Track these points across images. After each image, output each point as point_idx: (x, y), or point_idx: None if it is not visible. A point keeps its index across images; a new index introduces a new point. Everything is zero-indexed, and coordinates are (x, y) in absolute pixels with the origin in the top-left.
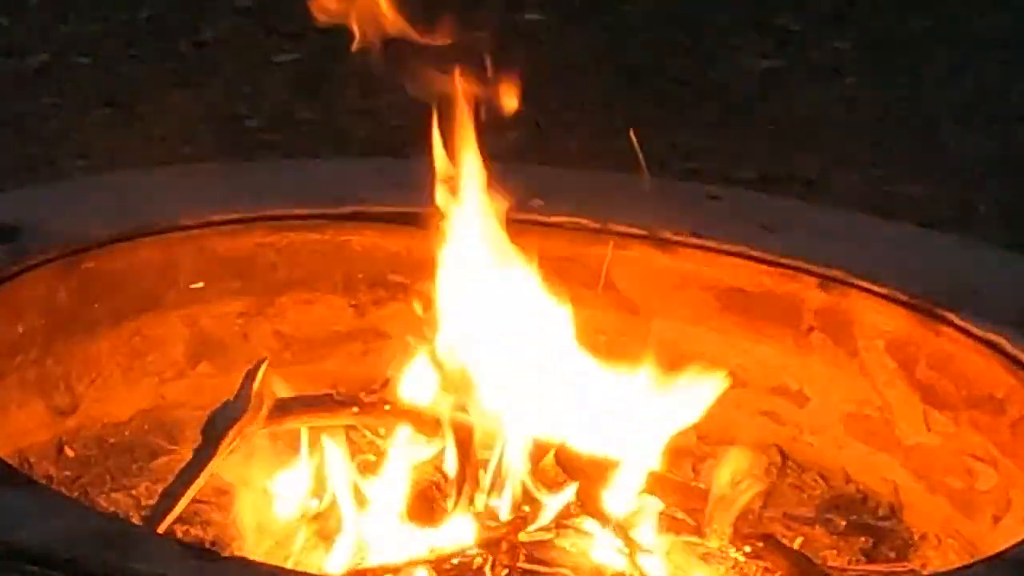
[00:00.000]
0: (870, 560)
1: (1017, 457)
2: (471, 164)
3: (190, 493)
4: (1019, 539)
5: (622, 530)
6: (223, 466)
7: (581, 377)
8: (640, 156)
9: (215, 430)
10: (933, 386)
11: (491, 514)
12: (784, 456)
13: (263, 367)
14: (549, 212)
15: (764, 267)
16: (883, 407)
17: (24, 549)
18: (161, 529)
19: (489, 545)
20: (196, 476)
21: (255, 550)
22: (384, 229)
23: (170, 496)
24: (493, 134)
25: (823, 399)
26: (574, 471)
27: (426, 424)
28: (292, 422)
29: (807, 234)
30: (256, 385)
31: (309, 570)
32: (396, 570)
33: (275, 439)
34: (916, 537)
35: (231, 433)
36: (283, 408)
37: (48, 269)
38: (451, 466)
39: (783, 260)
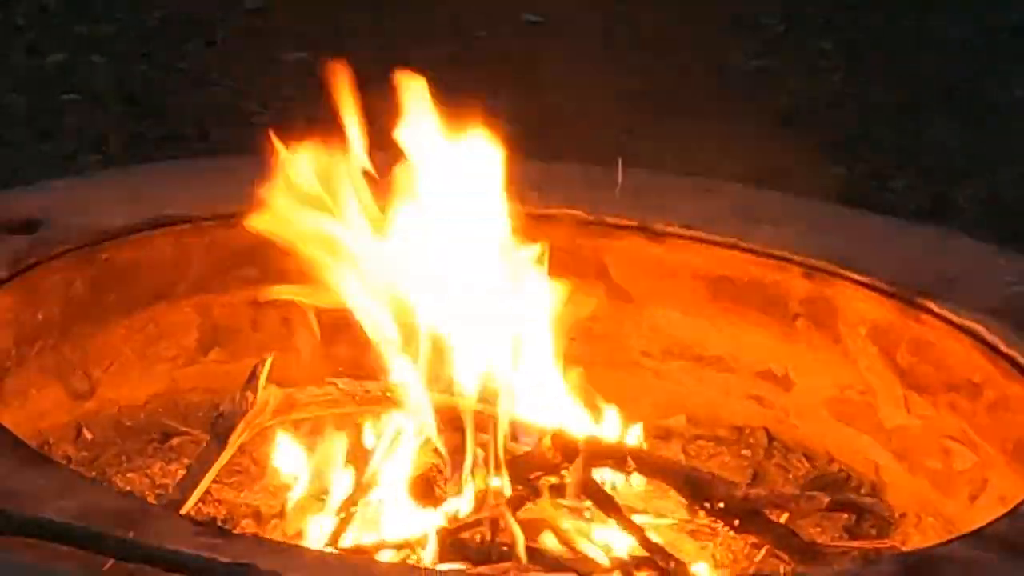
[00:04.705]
0: (852, 536)
1: (993, 439)
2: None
3: (202, 486)
4: (995, 517)
5: (615, 508)
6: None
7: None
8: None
9: (224, 424)
10: (913, 371)
11: (490, 494)
12: (771, 437)
13: (268, 363)
14: (546, 204)
15: (752, 257)
16: (865, 391)
17: (45, 526)
18: None
19: (488, 523)
20: (207, 470)
21: (265, 528)
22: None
23: (183, 489)
24: (492, 130)
25: (808, 383)
26: (570, 452)
27: (426, 410)
28: (298, 413)
29: (793, 226)
30: (262, 380)
31: (316, 547)
32: (400, 547)
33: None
34: (896, 515)
35: (239, 427)
36: (288, 400)
37: (66, 260)
38: (451, 449)
39: (770, 251)
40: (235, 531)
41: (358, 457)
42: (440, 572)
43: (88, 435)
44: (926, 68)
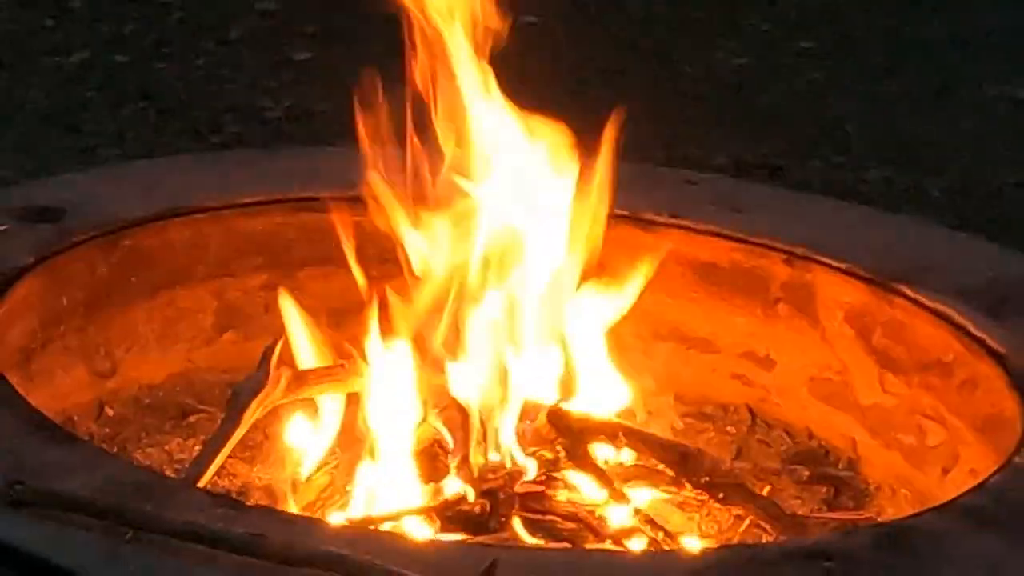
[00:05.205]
0: (831, 508)
1: (964, 416)
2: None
3: (217, 461)
4: (965, 489)
5: (607, 481)
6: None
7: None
8: None
9: (238, 402)
10: (888, 352)
11: (489, 468)
12: (753, 415)
13: (280, 344)
14: None
15: (735, 245)
16: (843, 371)
17: (70, 499)
18: None
19: (487, 495)
20: (222, 446)
21: (277, 501)
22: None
23: (199, 464)
24: None
25: (788, 363)
26: (564, 429)
27: (429, 389)
28: (307, 392)
29: (774, 215)
30: (274, 360)
31: (324, 518)
32: (403, 518)
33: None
34: (872, 488)
35: (253, 405)
36: (299, 379)
37: (90, 246)
38: (453, 426)
39: (752, 238)
40: (248, 504)
41: (365, 433)
42: (441, 542)
43: (110, 412)
44: (901, 67)
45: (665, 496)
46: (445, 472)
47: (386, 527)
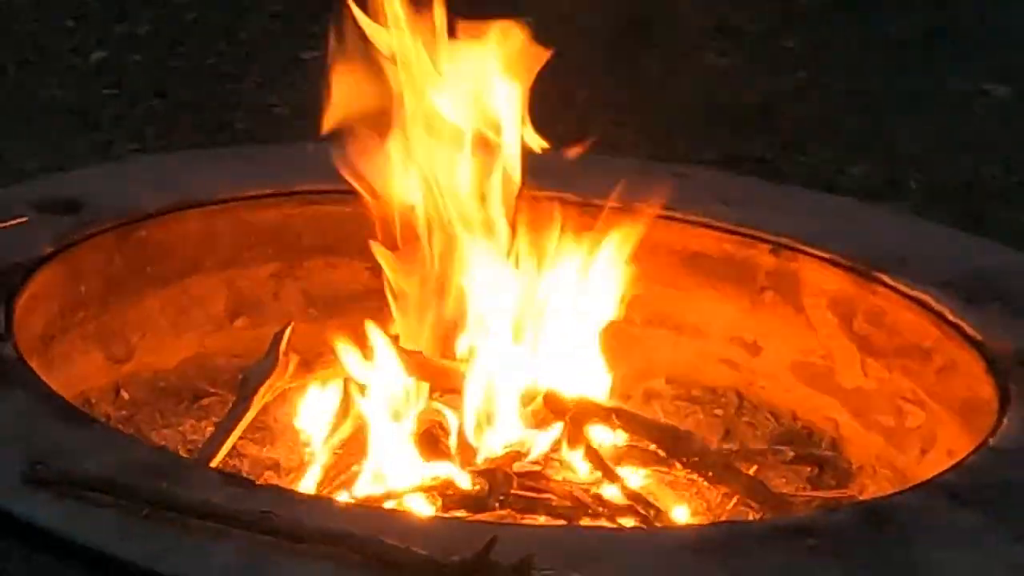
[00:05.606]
0: (815, 487)
1: (941, 399)
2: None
3: (229, 442)
4: (943, 469)
5: (600, 461)
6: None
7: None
8: None
9: (249, 386)
10: (869, 337)
11: (488, 449)
12: (741, 397)
13: (288, 330)
14: (538, 188)
15: (723, 235)
16: (826, 356)
17: (88, 478)
18: None
19: (486, 475)
20: (233, 427)
21: (285, 480)
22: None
23: (211, 445)
24: None
25: (774, 349)
26: (560, 411)
27: (432, 372)
28: (314, 377)
29: (761, 207)
30: (283, 346)
31: (330, 497)
32: (405, 496)
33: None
34: (854, 467)
35: (262, 389)
36: (306, 365)
37: (106, 238)
38: (454, 407)
39: (740, 229)
40: (258, 483)
41: (369, 415)
42: (442, 519)
43: (126, 396)
44: (880, 65)
45: (656, 476)
46: (446, 453)
47: (389, 505)
